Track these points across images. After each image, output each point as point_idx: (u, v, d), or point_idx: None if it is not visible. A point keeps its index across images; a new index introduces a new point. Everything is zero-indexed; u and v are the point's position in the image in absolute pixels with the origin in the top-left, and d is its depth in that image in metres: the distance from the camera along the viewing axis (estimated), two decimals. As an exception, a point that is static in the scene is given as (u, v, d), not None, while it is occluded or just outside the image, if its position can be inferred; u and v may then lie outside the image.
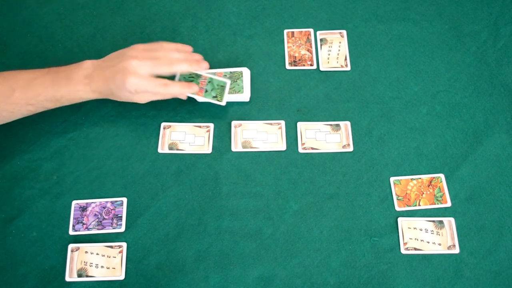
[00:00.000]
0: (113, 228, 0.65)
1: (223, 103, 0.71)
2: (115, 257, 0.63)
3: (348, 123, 0.72)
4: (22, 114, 0.66)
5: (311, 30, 0.80)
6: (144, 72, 0.65)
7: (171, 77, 0.70)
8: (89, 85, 0.65)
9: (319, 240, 0.64)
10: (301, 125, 0.72)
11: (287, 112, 0.73)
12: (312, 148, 0.70)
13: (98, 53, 0.77)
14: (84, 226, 0.65)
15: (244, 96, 0.73)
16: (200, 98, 0.71)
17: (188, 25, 0.81)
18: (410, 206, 0.66)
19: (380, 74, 0.76)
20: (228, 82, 0.71)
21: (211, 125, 0.72)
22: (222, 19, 0.81)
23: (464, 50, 0.78)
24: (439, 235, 0.64)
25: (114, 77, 0.65)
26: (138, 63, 0.65)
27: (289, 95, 0.74)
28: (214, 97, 0.71)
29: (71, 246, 0.63)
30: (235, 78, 0.73)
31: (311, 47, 0.78)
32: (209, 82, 0.71)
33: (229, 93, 0.72)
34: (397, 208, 0.66)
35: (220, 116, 0.72)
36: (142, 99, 0.68)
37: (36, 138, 0.71)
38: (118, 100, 0.68)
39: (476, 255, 0.63)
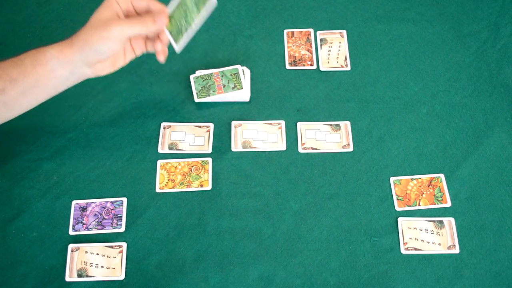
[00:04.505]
0: (113, 228, 0.65)
1: (244, 90, 0.71)
2: (115, 257, 0.63)
3: (348, 123, 0.72)
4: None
5: (311, 30, 0.80)
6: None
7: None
8: (60, 41, 0.59)
9: (319, 240, 0.64)
10: (301, 125, 0.72)
11: (287, 112, 0.73)
12: (312, 148, 0.70)
13: (98, 53, 0.77)
14: (84, 226, 0.65)
15: (244, 96, 0.73)
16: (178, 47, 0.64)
17: (188, 25, 0.81)
18: (410, 206, 0.66)
19: (380, 74, 0.76)
20: (239, 66, 0.72)
21: (211, 125, 0.72)
22: (222, 19, 0.81)
23: (464, 50, 0.78)
24: (439, 235, 0.64)
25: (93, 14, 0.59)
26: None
27: (289, 95, 0.74)
28: (233, 88, 0.71)
29: (71, 246, 0.63)
30: (235, 77, 0.73)
31: (311, 47, 0.78)
32: (222, 76, 0.72)
33: (230, 91, 0.72)
34: (397, 208, 0.66)
35: (220, 116, 0.72)
36: (117, 25, 0.57)
37: (36, 138, 0.71)
38: (87, 45, 0.58)
39: (476, 255, 0.63)
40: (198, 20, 0.62)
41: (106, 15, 0.58)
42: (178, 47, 0.62)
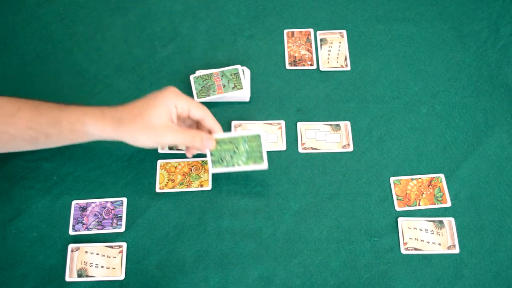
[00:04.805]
0: (113, 228, 0.65)
1: (244, 90, 0.71)
2: (115, 257, 0.63)
3: (348, 123, 0.72)
4: (24, 139, 0.59)
5: (311, 30, 0.80)
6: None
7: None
8: (101, 110, 0.58)
9: (319, 240, 0.64)
10: (301, 125, 0.72)
11: (287, 112, 0.73)
12: (312, 148, 0.70)
13: (98, 53, 0.78)
14: (84, 226, 0.65)
15: (244, 96, 0.73)
16: (215, 170, 0.64)
17: (188, 25, 0.81)
18: (410, 206, 0.66)
19: (380, 74, 0.76)
20: (239, 66, 0.72)
21: (211, 125, 0.72)
22: (222, 19, 0.81)
23: (464, 50, 0.78)
24: (439, 235, 0.64)
25: (146, 96, 0.58)
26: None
27: (289, 95, 0.74)
28: (233, 87, 0.71)
29: (71, 246, 0.63)
30: (235, 77, 0.73)
31: (311, 47, 0.78)
32: (222, 76, 0.72)
33: (230, 91, 0.72)
34: (397, 208, 0.66)
35: (220, 116, 0.72)
36: (168, 134, 0.57)
37: (36, 138, 0.71)
38: (131, 137, 0.58)
39: (476, 255, 0.63)
40: (243, 167, 0.63)
41: (161, 119, 0.57)
42: (212, 170, 0.64)
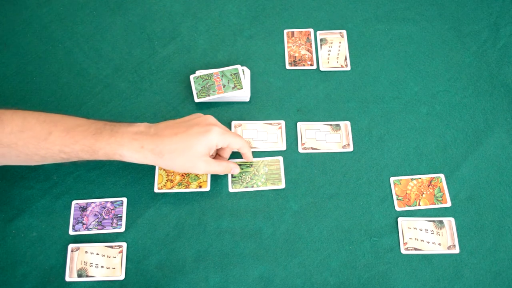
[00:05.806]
0: (113, 228, 0.65)
1: (244, 90, 0.71)
2: (115, 257, 0.63)
3: (348, 123, 0.72)
4: (54, 160, 0.59)
5: (311, 30, 0.80)
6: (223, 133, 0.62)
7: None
8: (138, 141, 0.58)
9: (319, 240, 0.64)
10: (301, 125, 0.72)
11: (287, 112, 0.73)
12: (312, 148, 0.70)
13: (98, 53, 0.78)
14: (84, 226, 0.65)
15: (244, 96, 0.73)
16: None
17: (188, 25, 0.81)
18: (410, 206, 0.66)
19: (380, 74, 0.76)
20: (239, 66, 0.73)
21: (211, 125, 0.72)
22: (222, 19, 0.81)
23: (464, 50, 0.78)
24: (439, 235, 0.64)
25: (188, 132, 0.59)
26: (218, 128, 0.61)
27: (289, 95, 0.74)
28: (233, 88, 0.71)
29: (71, 246, 0.63)
30: (235, 77, 0.73)
31: (311, 47, 0.78)
32: (222, 76, 0.72)
33: (230, 91, 0.72)
34: (397, 208, 0.66)
35: (220, 116, 0.72)
36: (203, 167, 0.61)
37: (36, 138, 0.71)
38: (167, 167, 0.61)
39: (476, 255, 0.63)
40: (262, 188, 0.67)
41: (200, 156, 0.60)
42: (231, 190, 0.67)
